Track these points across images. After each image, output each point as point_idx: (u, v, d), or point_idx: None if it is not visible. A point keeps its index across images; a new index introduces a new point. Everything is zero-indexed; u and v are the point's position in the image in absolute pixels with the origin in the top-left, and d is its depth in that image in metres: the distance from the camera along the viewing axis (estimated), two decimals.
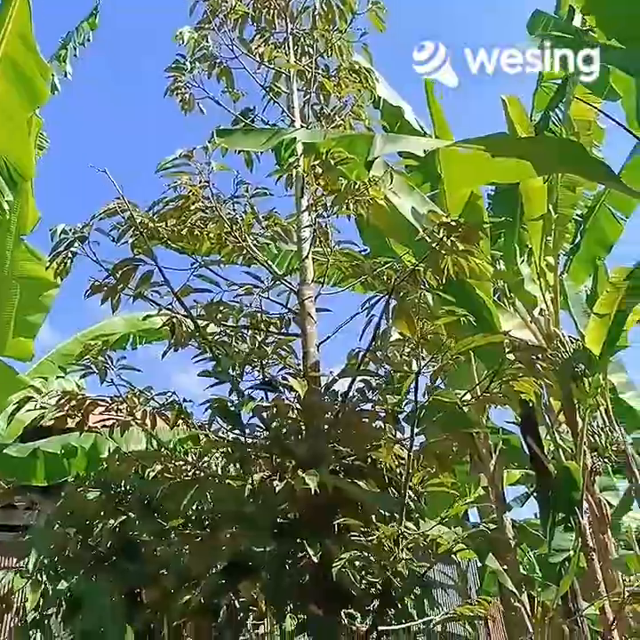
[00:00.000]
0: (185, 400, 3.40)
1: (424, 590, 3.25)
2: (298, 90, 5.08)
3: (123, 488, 3.69)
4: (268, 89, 5.06)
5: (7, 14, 4.96)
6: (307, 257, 3.78)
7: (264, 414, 2.85)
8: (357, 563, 2.34)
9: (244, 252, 4.02)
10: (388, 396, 3.57)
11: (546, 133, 6.63)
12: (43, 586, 3.23)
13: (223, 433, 3.13)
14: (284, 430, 2.79)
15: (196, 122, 4.98)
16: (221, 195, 4.05)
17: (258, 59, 4.88)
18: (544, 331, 5.65)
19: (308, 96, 5.18)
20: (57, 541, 3.30)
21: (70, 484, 4.69)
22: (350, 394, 3.12)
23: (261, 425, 2.87)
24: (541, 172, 4.99)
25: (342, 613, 2.47)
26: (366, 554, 2.33)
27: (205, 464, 3.36)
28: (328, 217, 3.96)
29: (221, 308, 3.38)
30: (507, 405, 5.80)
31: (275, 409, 2.92)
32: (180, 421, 3.38)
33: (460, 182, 5.52)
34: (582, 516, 4.86)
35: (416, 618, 3.27)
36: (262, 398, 3.29)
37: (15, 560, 4.31)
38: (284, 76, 5.12)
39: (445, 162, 5.55)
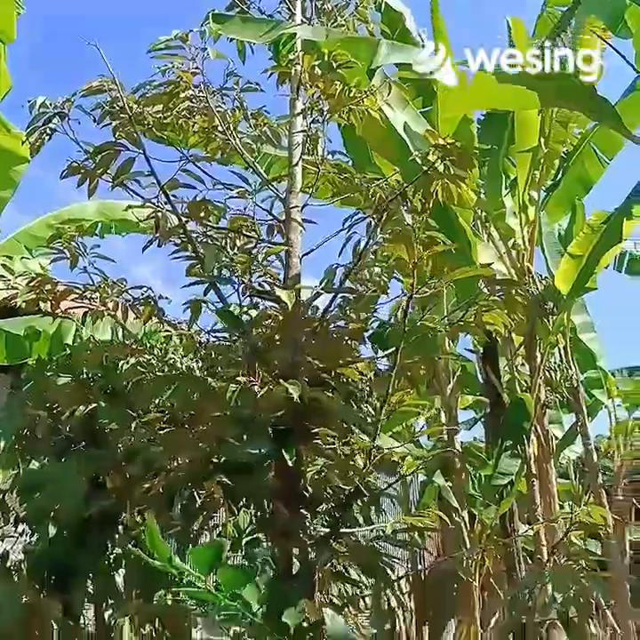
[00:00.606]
0: (160, 297, 3.35)
1: (373, 499, 3.41)
2: None
3: (89, 376, 3.68)
4: None
5: None
6: (297, 164, 3.65)
7: (244, 320, 2.83)
8: (324, 471, 2.42)
9: (230, 149, 3.86)
10: (361, 315, 3.60)
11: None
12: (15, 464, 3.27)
13: (201, 335, 3.12)
14: (265, 339, 2.79)
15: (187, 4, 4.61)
16: (211, 85, 3.84)
17: None
18: (517, 265, 5.70)
19: None
20: (27, 422, 3.31)
21: (32, 367, 4.66)
22: (330, 309, 3.12)
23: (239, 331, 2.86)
24: (544, 104, 4.86)
25: (304, 515, 2.58)
26: (336, 463, 2.41)
27: (175, 361, 3.36)
28: (322, 123, 3.80)
29: (208, 208, 3.27)
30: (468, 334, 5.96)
31: (258, 317, 2.90)
32: (154, 318, 3.35)
33: (457, 104, 5.34)
34: (529, 445, 5.11)
35: (362, 524, 3.46)
36: (240, 305, 3.27)
37: None
38: None
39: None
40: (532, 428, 5.13)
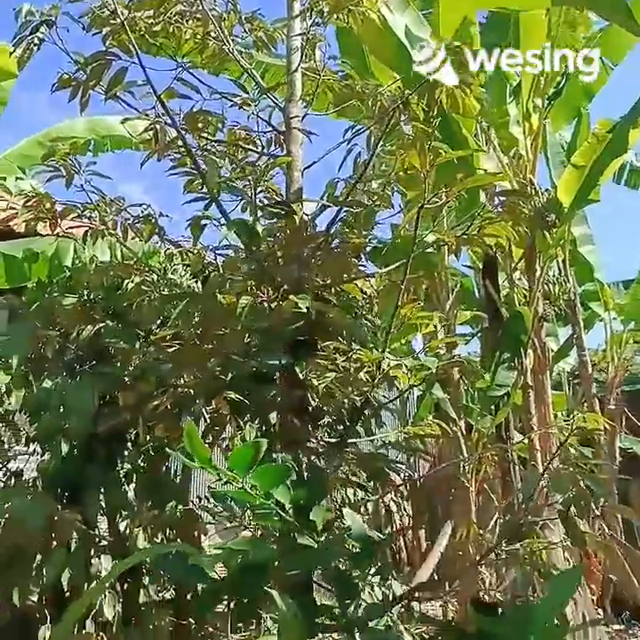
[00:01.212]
0: (161, 214, 3.29)
1: (374, 412, 3.50)
2: None
3: (92, 297, 3.67)
4: None
5: None
6: (296, 70, 3.50)
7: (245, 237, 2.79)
8: (333, 385, 2.47)
9: (224, 55, 3.68)
10: (363, 231, 3.56)
11: None
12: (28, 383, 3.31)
13: (206, 252, 3.09)
14: (270, 254, 2.76)
15: None
16: None
17: None
18: (520, 176, 5.60)
19: None
20: (36, 342, 3.32)
21: (32, 289, 4.63)
22: (334, 225, 3.08)
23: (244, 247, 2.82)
24: (556, 2, 4.64)
25: (313, 426, 2.65)
26: (345, 376, 2.45)
27: (180, 281, 3.35)
28: (322, 25, 3.62)
29: (208, 118, 3.15)
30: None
31: (264, 232, 2.86)
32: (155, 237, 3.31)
33: (461, 2, 5.08)
34: (526, 358, 5.20)
35: (362, 435, 3.56)
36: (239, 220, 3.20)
37: None
38: None
39: None
40: (530, 340, 5.20)
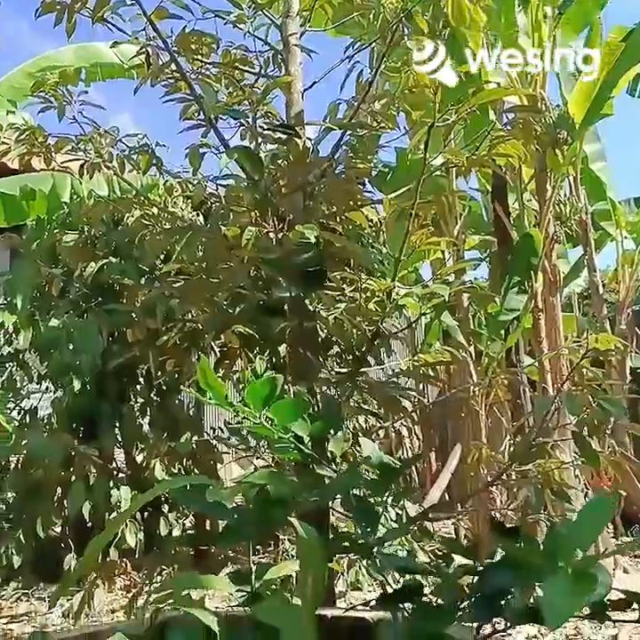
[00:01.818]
0: (158, 144, 3.17)
1: (384, 341, 3.47)
2: None
3: (93, 233, 3.60)
4: None
5: None
6: None
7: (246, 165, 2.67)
8: (342, 315, 2.43)
9: None
10: (368, 156, 3.43)
11: None
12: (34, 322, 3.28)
13: (206, 183, 2.99)
14: (273, 183, 2.65)
15: None
16: None
17: None
18: (530, 91, 5.36)
19: None
20: (40, 280, 3.28)
21: (32, 227, 4.55)
22: (338, 149, 2.96)
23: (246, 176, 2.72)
24: None
25: (324, 357, 2.64)
26: (356, 306, 2.41)
27: (181, 214, 3.26)
28: None
29: (201, 39, 2.98)
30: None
31: (267, 158, 2.74)
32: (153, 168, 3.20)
33: None
34: (536, 281, 5.13)
35: (372, 365, 3.55)
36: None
37: None
38: None
39: None
40: (540, 263, 5.11)
